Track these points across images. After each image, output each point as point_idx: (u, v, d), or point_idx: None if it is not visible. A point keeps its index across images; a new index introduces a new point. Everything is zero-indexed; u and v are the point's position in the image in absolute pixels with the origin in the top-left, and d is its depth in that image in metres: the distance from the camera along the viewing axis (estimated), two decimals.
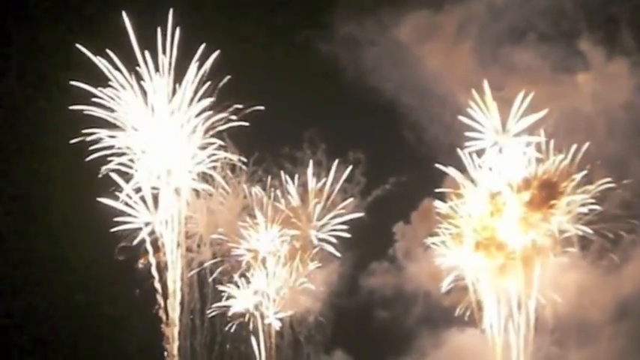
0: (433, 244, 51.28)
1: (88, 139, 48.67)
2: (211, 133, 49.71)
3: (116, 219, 49.46)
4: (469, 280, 51.04)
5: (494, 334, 50.83)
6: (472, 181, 50.10)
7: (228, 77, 49.03)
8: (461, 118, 49.59)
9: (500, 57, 51.56)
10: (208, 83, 49.32)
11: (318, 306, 52.79)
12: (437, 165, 50.17)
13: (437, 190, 50.71)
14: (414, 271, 52.98)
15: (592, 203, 49.77)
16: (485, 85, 48.95)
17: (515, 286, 50.53)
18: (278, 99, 50.23)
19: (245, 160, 50.89)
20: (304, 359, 53.05)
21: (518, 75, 51.06)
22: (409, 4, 52.13)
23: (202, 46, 48.60)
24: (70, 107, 48.67)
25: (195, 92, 49.31)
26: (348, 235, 52.12)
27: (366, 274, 53.54)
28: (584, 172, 49.70)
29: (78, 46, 48.28)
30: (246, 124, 49.35)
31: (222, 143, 49.94)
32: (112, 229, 49.40)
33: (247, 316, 52.06)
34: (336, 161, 51.84)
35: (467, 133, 49.58)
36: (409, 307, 53.18)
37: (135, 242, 49.81)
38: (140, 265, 49.94)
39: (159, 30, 48.50)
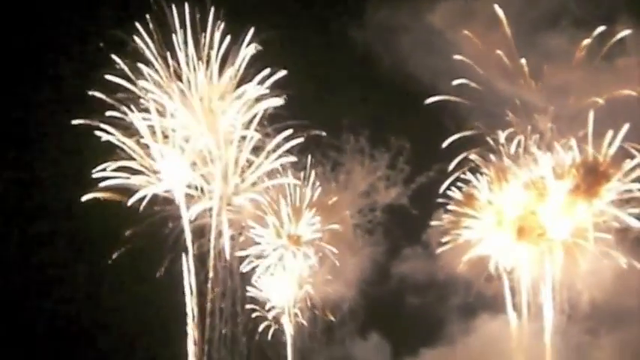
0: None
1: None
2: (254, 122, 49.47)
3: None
4: (506, 265, 50.57)
5: (523, 322, 50.37)
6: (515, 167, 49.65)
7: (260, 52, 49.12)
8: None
9: (536, 43, 51.12)
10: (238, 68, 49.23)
11: (351, 293, 52.39)
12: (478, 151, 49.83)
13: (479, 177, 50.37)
14: (448, 258, 52.60)
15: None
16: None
17: (552, 273, 50.16)
18: (315, 87, 50.01)
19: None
20: (339, 343, 52.77)
21: (556, 61, 50.63)
22: None
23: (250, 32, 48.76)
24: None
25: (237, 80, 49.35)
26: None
27: (400, 260, 53.24)
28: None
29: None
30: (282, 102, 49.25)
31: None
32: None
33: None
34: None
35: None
36: (443, 293, 52.88)
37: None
38: None
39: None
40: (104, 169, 49.04)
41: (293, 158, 50.39)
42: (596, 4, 50.82)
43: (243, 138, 50.02)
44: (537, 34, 51.36)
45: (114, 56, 48.99)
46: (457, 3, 52.56)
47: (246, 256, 51.59)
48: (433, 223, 52.01)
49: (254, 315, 51.90)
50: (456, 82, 50.13)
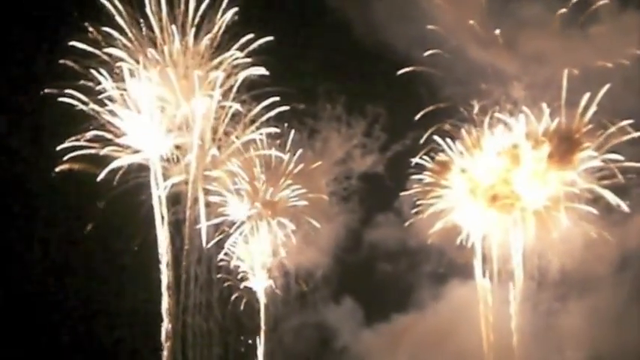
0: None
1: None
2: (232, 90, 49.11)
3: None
4: (478, 233, 50.96)
5: (493, 288, 50.87)
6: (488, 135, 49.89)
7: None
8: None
9: (511, 11, 51.09)
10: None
11: (325, 260, 52.62)
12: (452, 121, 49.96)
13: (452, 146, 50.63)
14: (421, 226, 52.88)
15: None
16: None
17: (523, 240, 50.62)
18: (291, 54, 49.69)
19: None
20: (312, 309, 53.08)
21: (531, 30, 50.64)
22: None
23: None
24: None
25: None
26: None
27: (373, 228, 53.46)
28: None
29: None
30: (265, 72, 48.89)
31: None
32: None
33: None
34: None
35: None
36: (414, 260, 53.21)
37: None
38: None
39: None
40: (77, 140, 48.35)
41: (273, 129, 50.30)
42: None
43: (222, 107, 49.56)
44: (512, 2, 51.30)
45: (85, 23, 48.09)
46: None
47: (221, 224, 51.31)
48: (406, 191, 52.09)
49: (227, 284, 51.70)
50: (429, 53, 49.99)
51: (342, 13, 51.59)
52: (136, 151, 49.36)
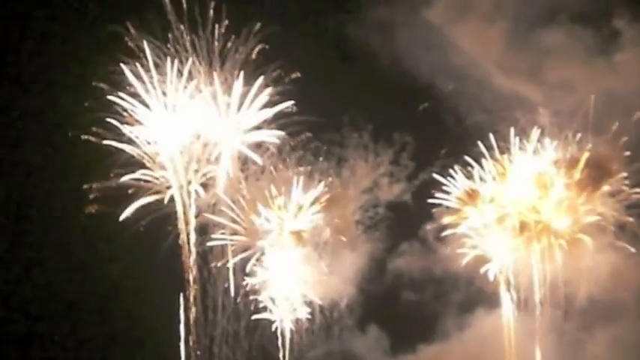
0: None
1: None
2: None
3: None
4: (505, 262, 50.68)
5: (519, 317, 50.56)
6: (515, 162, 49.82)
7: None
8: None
9: (534, 38, 51.22)
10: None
11: (350, 289, 52.38)
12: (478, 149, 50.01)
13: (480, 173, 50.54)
14: (446, 254, 52.63)
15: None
16: None
17: (551, 269, 50.32)
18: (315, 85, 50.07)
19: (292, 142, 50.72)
20: (337, 339, 52.71)
21: (554, 57, 50.75)
22: None
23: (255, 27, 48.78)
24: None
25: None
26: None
27: (398, 256, 53.25)
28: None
29: None
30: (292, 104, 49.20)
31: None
32: None
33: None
34: None
35: None
36: (440, 289, 52.93)
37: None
38: None
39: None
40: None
41: (308, 167, 50.67)
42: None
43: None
44: (535, 30, 51.46)
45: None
46: None
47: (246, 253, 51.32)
48: (432, 219, 51.89)
49: (254, 317, 51.67)
50: (451, 87, 50.38)
51: (366, 42, 51.82)
52: (168, 187, 49.67)
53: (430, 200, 51.33)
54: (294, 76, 49.19)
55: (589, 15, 50.98)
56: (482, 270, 51.06)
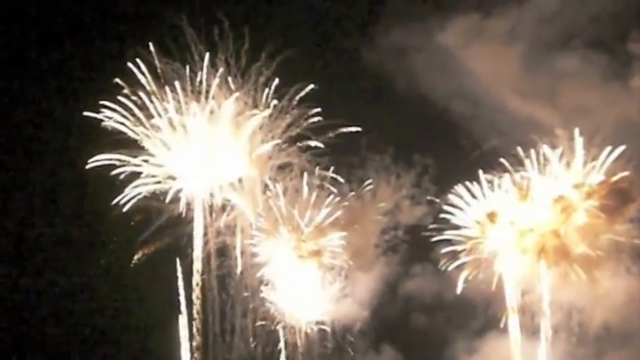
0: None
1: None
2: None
3: None
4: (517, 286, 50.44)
5: (530, 343, 50.27)
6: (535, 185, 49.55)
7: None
8: None
9: (549, 63, 51.32)
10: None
11: (365, 311, 52.32)
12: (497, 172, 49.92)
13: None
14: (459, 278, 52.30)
15: None
16: None
17: (565, 294, 50.10)
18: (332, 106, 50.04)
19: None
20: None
21: (569, 81, 50.85)
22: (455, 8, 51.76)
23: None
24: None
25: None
26: None
27: (413, 279, 53.13)
28: None
29: None
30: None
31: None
32: None
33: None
34: None
35: None
36: (451, 314, 52.77)
37: None
38: None
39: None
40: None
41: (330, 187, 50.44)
42: (609, 24, 51.07)
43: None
44: (550, 54, 51.52)
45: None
46: (469, 22, 52.65)
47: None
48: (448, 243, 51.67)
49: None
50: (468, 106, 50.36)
51: (382, 66, 51.93)
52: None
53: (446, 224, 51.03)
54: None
55: (604, 40, 51.04)
56: (495, 294, 50.64)
